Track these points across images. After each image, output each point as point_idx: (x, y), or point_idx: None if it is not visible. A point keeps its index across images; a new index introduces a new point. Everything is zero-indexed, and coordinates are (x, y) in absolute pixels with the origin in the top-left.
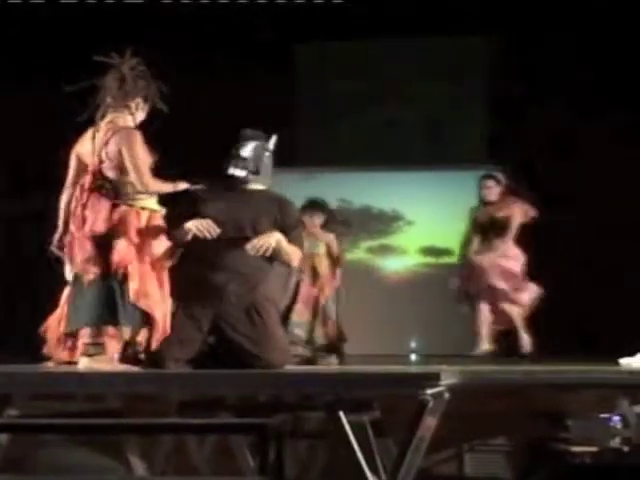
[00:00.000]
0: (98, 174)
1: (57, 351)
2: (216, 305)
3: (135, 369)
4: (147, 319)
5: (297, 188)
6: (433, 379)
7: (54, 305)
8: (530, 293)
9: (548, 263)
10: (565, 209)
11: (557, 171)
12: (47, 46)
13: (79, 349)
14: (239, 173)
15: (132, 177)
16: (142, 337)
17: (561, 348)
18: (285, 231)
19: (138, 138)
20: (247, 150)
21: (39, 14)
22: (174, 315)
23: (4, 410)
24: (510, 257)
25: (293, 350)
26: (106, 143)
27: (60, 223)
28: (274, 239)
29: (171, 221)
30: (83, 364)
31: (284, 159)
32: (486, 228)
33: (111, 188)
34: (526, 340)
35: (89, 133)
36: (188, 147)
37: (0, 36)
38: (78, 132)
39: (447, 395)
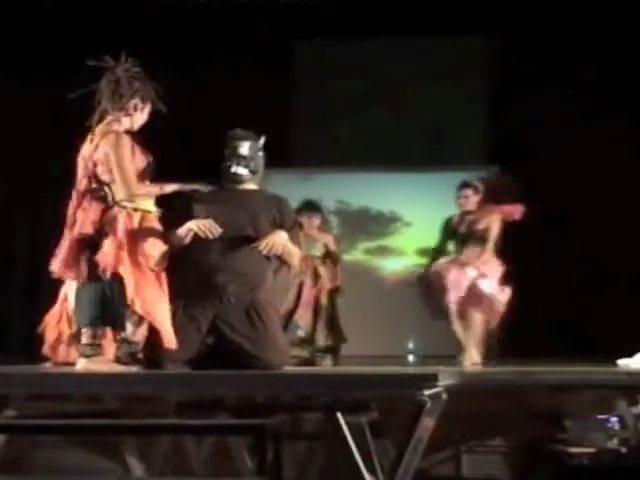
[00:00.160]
0: (93, 177)
1: (56, 351)
2: (216, 306)
3: (133, 370)
4: (141, 320)
5: (295, 189)
6: (431, 380)
7: (52, 304)
8: (498, 311)
9: (546, 264)
10: (564, 210)
11: (556, 173)
12: (47, 46)
13: (78, 350)
14: (241, 172)
15: (117, 180)
16: (140, 338)
17: (559, 349)
18: (284, 230)
19: (125, 142)
20: (246, 149)
21: (39, 14)
22: (173, 316)
23: (1, 411)
24: (486, 276)
25: (292, 351)
26: (97, 147)
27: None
28: (282, 238)
29: (168, 222)
30: (81, 365)
31: (282, 159)
32: (463, 238)
33: (105, 191)
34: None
35: (89, 136)
36: (186, 146)
37: (0, 35)
38: (79, 133)
39: (445, 396)
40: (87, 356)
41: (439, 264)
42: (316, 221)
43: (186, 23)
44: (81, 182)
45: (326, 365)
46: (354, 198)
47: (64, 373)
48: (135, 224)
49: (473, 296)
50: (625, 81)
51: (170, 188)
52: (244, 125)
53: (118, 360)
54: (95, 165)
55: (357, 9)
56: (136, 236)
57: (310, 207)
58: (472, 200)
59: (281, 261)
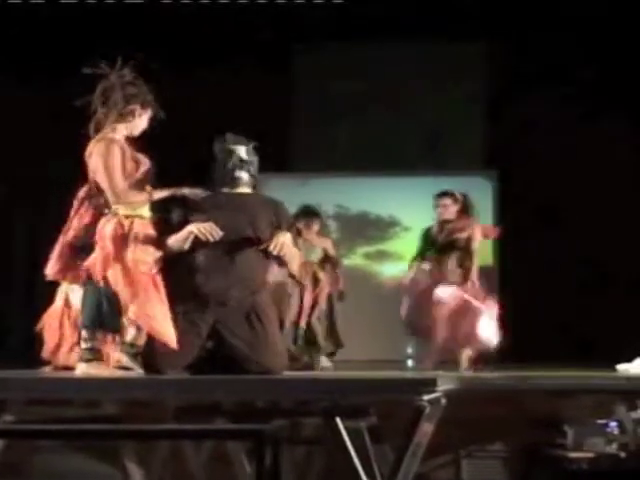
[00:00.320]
0: (92, 184)
1: (56, 356)
2: (217, 310)
3: (132, 375)
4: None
5: (294, 193)
6: (430, 385)
7: (50, 305)
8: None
9: (546, 265)
10: (563, 212)
11: (556, 174)
12: (47, 46)
13: (78, 354)
14: (244, 176)
15: (105, 188)
16: (140, 341)
17: (558, 352)
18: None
19: (115, 149)
20: (245, 153)
21: (39, 14)
22: (174, 320)
23: (0, 416)
24: (481, 316)
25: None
26: (91, 155)
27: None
28: (287, 239)
29: (165, 227)
30: (80, 370)
31: (281, 164)
32: (442, 248)
33: (102, 197)
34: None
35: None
36: (185, 148)
37: (0, 35)
38: (79, 134)
39: (444, 401)
40: (86, 360)
41: (419, 281)
42: (315, 226)
43: (186, 25)
44: (81, 189)
45: (325, 368)
46: (353, 202)
47: (63, 378)
48: (126, 230)
49: (465, 335)
50: (625, 82)
51: (159, 195)
52: (244, 129)
53: (119, 364)
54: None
55: (356, 12)
56: (127, 242)
57: (308, 212)
58: (451, 210)
59: (279, 264)
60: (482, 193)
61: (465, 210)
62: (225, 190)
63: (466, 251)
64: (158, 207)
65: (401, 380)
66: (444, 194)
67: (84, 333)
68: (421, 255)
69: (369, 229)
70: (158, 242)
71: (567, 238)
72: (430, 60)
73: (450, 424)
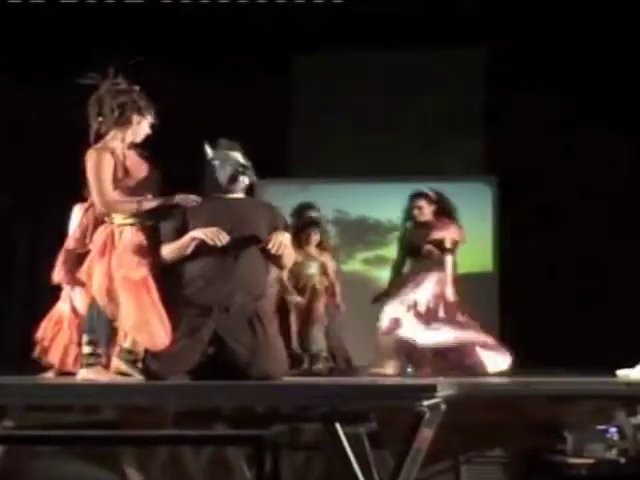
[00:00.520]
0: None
1: (59, 360)
2: (219, 316)
3: (132, 380)
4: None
5: (293, 199)
6: (430, 390)
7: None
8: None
9: (547, 273)
10: (564, 220)
11: (555, 181)
12: (47, 46)
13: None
14: (246, 180)
15: (94, 197)
16: (137, 348)
17: (559, 359)
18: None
19: (104, 159)
20: (242, 158)
21: (39, 14)
22: (176, 326)
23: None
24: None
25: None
26: (85, 163)
27: None
28: (286, 238)
29: (165, 235)
30: (81, 375)
31: (280, 170)
32: (418, 251)
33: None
34: None
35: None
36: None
37: (0, 36)
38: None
39: (444, 406)
40: (88, 365)
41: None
42: (314, 237)
43: (186, 25)
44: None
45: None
46: (352, 208)
47: (62, 384)
48: (117, 238)
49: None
50: (625, 82)
51: (150, 204)
52: (241, 133)
53: (117, 370)
54: None
55: (356, 19)
56: (116, 250)
57: (309, 224)
58: (426, 211)
59: (276, 264)
60: (482, 198)
61: (442, 212)
62: (221, 195)
63: (442, 255)
64: (154, 215)
65: (401, 386)
66: (419, 195)
67: (86, 338)
68: (400, 261)
69: (368, 234)
70: (151, 249)
71: (568, 243)
72: (430, 63)
73: (450, 430)
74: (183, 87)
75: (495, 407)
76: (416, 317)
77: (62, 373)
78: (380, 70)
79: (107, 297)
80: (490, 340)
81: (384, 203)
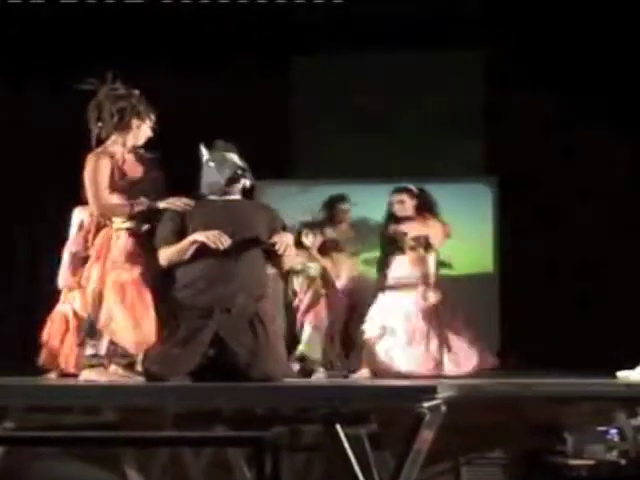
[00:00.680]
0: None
1: (62, 361)
2: (221, 317)
3: (132, 382)
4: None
5: (294, 200)
6: (430, 392)
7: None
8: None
9: (547, 274)
10: (564, 220)
11: (556, 182)
12: (47, 46)
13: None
14: (245, 182)
15: (90, 201)
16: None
17: (558, 360)
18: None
19: (101, 163)
20: (240, 160)
21: (39, 14)
22: (177, 328)
23: (0, 423)
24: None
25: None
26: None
27: None
28: (289, 238)
29: (165, 238)
30: (84, 376)
31: (281, 171)
32: (400, 247)
33: None
34: None
35: None
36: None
37: (0, 36)
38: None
39: (444, 408)
40: (90, 367)
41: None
42: (317, 241)
43: (186, 25)
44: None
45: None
46: (353, 209)
47: (63, 385)
48: (112, 242)
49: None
50: (624, 83)
51: (142, 207)
52: (242, 135)
53: (115, 374)
54: None
55: (356, 20)
56: (111, 253)
57: (311, 227)
58: (408, 205)
59: (276, 264)
60: (482, 199)
61: (424, 207)
62: (218, 197)
63: (424, 252)
64: (151, 218)
65: (401, 387)
66: (400, 189)
67: (87, 340)
68: (384, 258)
69: (369, 236)
70: (146, 252)
71: (568, 244)
72: (430, 64)
73: (450, 431)
74: (183, 87)
75: (495, 408)
76: (390, 336)
77: (64, 374)
78: (380, 70)
79: (99, 300)
80: (464, 341)
81: (384, 204)
